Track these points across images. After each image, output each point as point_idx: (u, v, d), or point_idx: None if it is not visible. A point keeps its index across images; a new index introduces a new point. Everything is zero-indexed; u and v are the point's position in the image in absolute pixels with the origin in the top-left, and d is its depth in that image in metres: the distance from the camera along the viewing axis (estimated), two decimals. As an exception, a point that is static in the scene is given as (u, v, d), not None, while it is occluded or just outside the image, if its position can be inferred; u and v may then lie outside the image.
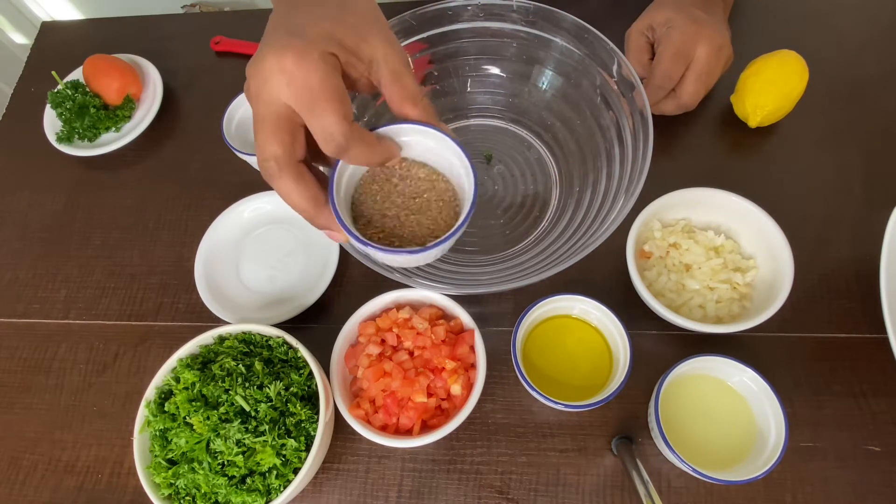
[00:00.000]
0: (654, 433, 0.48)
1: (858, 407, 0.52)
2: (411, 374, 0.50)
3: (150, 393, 0.50)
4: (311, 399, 0.50)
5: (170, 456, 0.48)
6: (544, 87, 0.63)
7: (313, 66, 0.33)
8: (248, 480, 0.46)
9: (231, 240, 0.64)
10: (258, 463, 0.46)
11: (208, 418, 0.47)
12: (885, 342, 0.48)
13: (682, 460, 0.45)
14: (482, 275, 0.57)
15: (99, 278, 0.66)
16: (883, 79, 0.66)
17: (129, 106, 0.74)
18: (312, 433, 0.47)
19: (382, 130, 0.40)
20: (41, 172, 0.73)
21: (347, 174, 0.41)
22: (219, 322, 0.59)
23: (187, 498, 0.47)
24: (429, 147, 0.41)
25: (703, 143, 0.65)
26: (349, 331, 0.53)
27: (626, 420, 0.53)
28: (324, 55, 0.34)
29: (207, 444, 0.47)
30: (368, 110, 0.60)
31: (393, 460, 0.53)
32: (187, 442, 0.47)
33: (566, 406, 0.48)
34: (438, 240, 0.40)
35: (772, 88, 0.60)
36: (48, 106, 0.74)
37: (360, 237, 0.39)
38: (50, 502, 0.56)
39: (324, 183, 0.38)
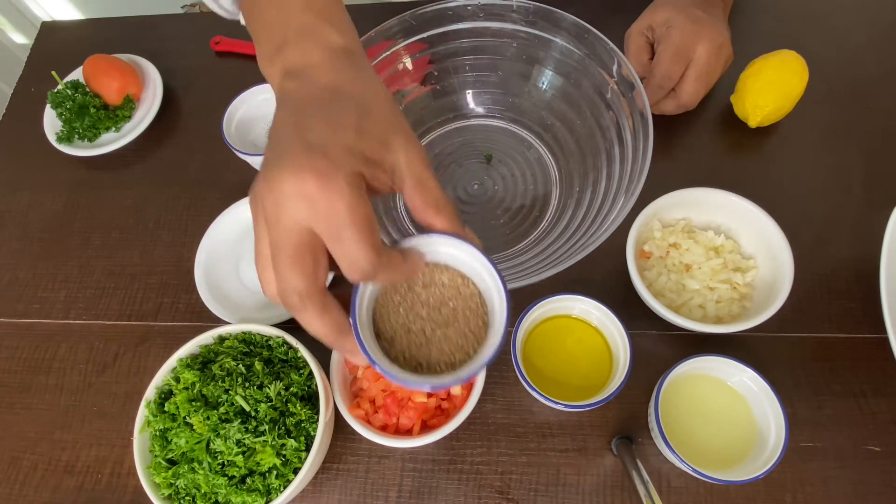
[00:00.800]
0: (654, 433, 0.48)
1: (858, 407, 0.52)
2: (411, 374, 0.50)
3: (150, 393, 0.50)
4: (311, 399, 0.50)
5: (170, 456, 0.48)
6: (544, 87, 0.63)
7: (339, 193, 0.29)
8: (248, 480, 0.46)
9: (231, 240, 0.64)
10: (258, 463, 0.46)
11: (208, 418, 0.47)
12: (885, 342, 0.48)
13: (682, 460, 0.45)
14: (482, 275, 0.57)
15: (99, 278, 0.66)
16: (883, 79, 0.66)
17: (129, 106, 0.74)
18: (312, 433, 0.47)
19: (407, 245, 0.37)
20: (41, 172, 0.73)
21: (369, 291, 0.38)
22: (219, 322, 0.59)
23: (187, 498, 0.47)
24: (453, 254, 0.39)
25: (703, 143, 0.65)
26: (349, 331, 0.53)
27: (626, 420, 0.53)
28: (350, 178, 0.30)
29: (207, 444, 0.47)
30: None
31: (393, 460, 0.53)
32: (187, 442, 0.47)
33: (566, 406, 0.48)
34: (469, 369, 0.37)
35: (772, 88, 0.60)
36: (48, 106, 0.74)
37: (387, 369, 0.36)
38: (50, 502, 0.55)
39: (343, 302, 0.35)
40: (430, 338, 0.38)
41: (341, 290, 0.35)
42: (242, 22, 0.43)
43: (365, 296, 0.37)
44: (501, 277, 0.37)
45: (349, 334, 0.33)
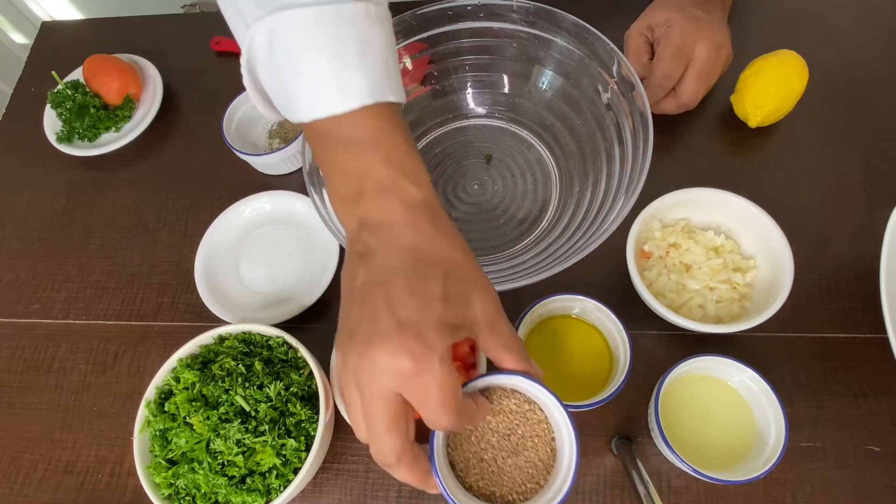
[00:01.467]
0: (654, 433, 0.48)
1: (858, 407, 0.52)
2: (411, 374, 0.50)
3: (150, 393, 0.50)
4: (311, 399, 0.50)
5: (170, 456, 0.48)
6: (544, 87, 0.63)
7: (432, 375, 0.31)
8: (248, 480, 0.46)
9: (231, 240, 0.64)
10: (258, 463, 0.46)
11: (208, 418, 0.47)
12: (885, 342, 0.48)
13: (682, 460, 0.45)
14: (482, 275, 0.57)
15: (99, 278, 0.66)
16: (883, 79, 0.66)
17: (129, 106, 0.74)
18: (312, 433, 0.47)
19: (482, 384, 0.40)
20: (41, 172, 0.73)
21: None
22: (219, 322, 0.59)
23: (187, 498, 0.47)
24: (517, 384, 0.41)
25: (703, 143, 0.65)
26: (349, 331, 0.53)
27: (626, 420, 0.53)
28: (441, 358, 0.32)
29: (207, 444, 0.47)
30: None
31: (393, 460, 0.53)
32: (187, 442, 0.47)
33: (566, 406, 0.48)
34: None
35: (772, 88, 0.60)
36: (48, 106, 0.74)
37: None
38: (50, 502, 0.56)
39: (419, 431, 0.38)
40: (502, 467, 0.41)
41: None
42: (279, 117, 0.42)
43: (441, 436, 0.40)
44: (571, 419, 0.40)
45: (432, 476, 0.36)
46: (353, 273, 0.35)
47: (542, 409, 0.43)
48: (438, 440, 0.39)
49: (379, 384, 0.32)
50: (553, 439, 0.42)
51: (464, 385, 0.38)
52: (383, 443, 0.33)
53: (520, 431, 0.42)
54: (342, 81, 0.34)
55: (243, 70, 0.38)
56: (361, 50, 0.34)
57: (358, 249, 0.36)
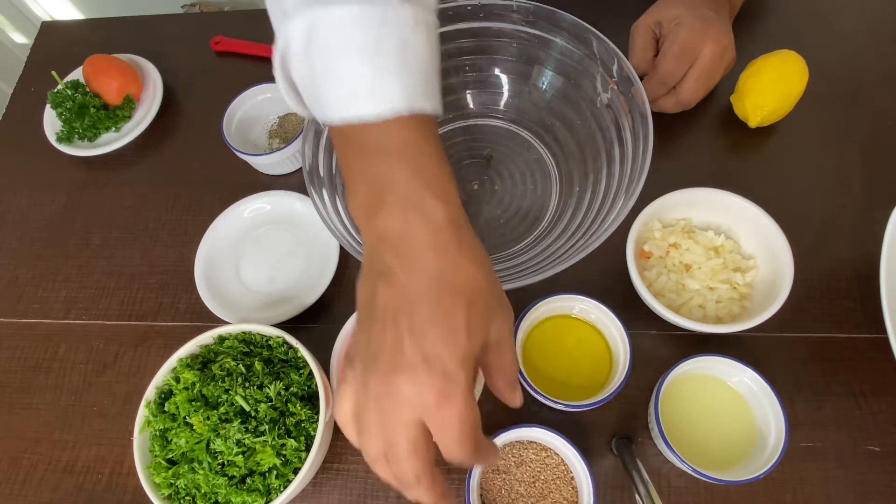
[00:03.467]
0: (654, 433, 0.48)
1: (858, 407, 0.52)
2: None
3: (150, 393, 0.50)
4: (311, 399, 0.50)
5: (170, 456, 0.48)
6: (544, 87, 0.63)
7: (456, 409, 0.32)
8: (248, 480, 0.46)
9: (231, 240, 0.64)
10: (258, 463, 0.46)
11: (208, 418, 0.47)
12: (885, 342, 0.48)
13: (682, 460, 0.45)
14: (482, 275, 0.57)
15: (99, 278, 0.66)
16: (883, 79, 0.66)
17: (129, 106, 0.74)
18: (312, 433, 0.47)
19: (499, 441, 0.47)
20: (41, 172, 0.73)
21: (476, 480, 0.47)
22: (219, 322, 0.59)
23: (187, 498, 0.47)
24: (530, 435, 0.49)
25: (703, 143, 0.65)
26: (349, 331, 0.53)
27: (626, 420, 0.53)
28: (465, 391, 0.32)
29: (207, 444, 0.47)
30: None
31: (393, 460, 0.53)
32: (187, 442, 0.47)
33: (566, 406, 0.48)
34: None
35: (772, 88, 0.60)
36: (48, 106, 0.74)
37: None
38: (50, 502, 0.56)
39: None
40: None
41: None
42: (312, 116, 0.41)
43: (474, 485, 0.46)
44: (583, 457, 0.46)
45: (450, 495, 0.36)
46: (372, 291, 0.35)
47: (557, 454, 0.48)
48: (472, 486, 0.46)
49: (404, 413, 0.32)
50: (572, 478, 0.48)
51: None
52: (406, 465, 0.33)
53: (542, 477, 0.47)
54: (377, 86, 0.33)
55: (275, 61, 0.36)
56: (403, 56, 0.33)
57: (377, 268, 0.35)
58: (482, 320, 0.34)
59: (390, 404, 0.33)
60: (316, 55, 0.34)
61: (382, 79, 0.33)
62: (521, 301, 0.52)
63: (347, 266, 0.62)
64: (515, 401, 0.38)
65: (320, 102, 0.35)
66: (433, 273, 0.33)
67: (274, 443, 0.46)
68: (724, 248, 0.55)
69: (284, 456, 0.47)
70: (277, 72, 0.37)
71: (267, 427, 0.47)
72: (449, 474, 0.52)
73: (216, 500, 0.47)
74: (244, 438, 0.46)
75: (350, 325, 0.53)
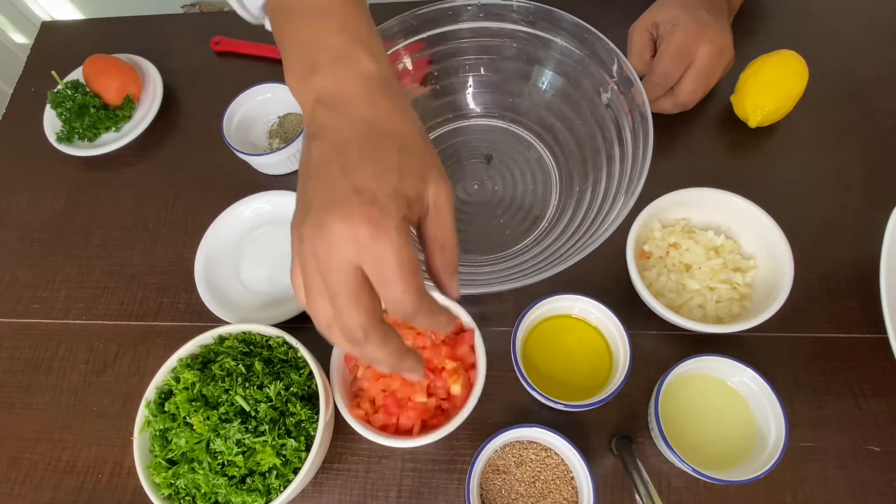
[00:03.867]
0: (654, 433, 0.48)
1: (858, 407, 0.52)
2: (411, 374, 0.50)
3: (150, 393, 0.50)
4: (311, 399, 0.50)
5: (170, 456, 0.48)
6: (544, 87, 0.63)
7: (389, 241, 0.30)
8: (248, 480, 0.46)
9: (231, 240, 0.64)
10: (258, 463, 0.46)
11: (208, 418, 0.47)
12: (885, 342, 0.48)
13: (682, 460, 0.45)
14: (482, 275, 0.57)
15: (99, 278, 0.66)
16: (883, 79, 0.66)
17: (129, 106, 0.74)
18: (312, 433, 0.47)
19: (499, 441, 0.47)
20: (41, 172, 0.73)
21: (476, 479, 0.47)
22: (219, 322, 0.59)
23: (187, 498, 0.47)
24: (531, 435, 0.49)
25: (703, 143, 0.65)
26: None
27: (626, 420, 0.53)
28: (398, 224, 0.31)
29: (207, 444, 0.47)
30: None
31: (393, 460, 0.53)
32: (187, 442, 0.47)
33: (566, 406, 0.48)
34: None
35: (772, 88, 0.60)
36: (48, 106, 0.74)
37: None
38: (50, 502, 0.56)
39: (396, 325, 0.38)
40: None
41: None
42: (268, 27, 0.41)
43: (474, 485, 0.46)
44: (583, 456, 0.46)
45: (408, 355, 0.35)
46: (308, 153, 0.34)
47: (557, 454, 0.48)
48: (472, 485, 0.46)
49: (339, 255, 0.31)
50: (572, 478, 0.48)
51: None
52: (349, 316, 0.31)
53: (542, 477, 0.47)
54: None
55: None
56: None
57: (312, 130, 0.34)
58: (416, 167, 0.33)
59: (324, 248, 0.31)
60: None
61: None
62: (521, 301, 0.52)
63: (347, 266, 0.62)
64: (452, 289, 0.36)
65: None
66: (364, 120, 0.33)
67: (274, 443, 0.46)
68: (724, 248, 0.55)
69: (284, 456, 0.47)
70: None
71: (267, 427, 0.47)
72: (449, 474, 0.52)
73: (216, 500, 0.47)
74: (244, 438, 0.46)
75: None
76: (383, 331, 0.33)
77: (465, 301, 0.53)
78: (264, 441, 0.46)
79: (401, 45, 0.60)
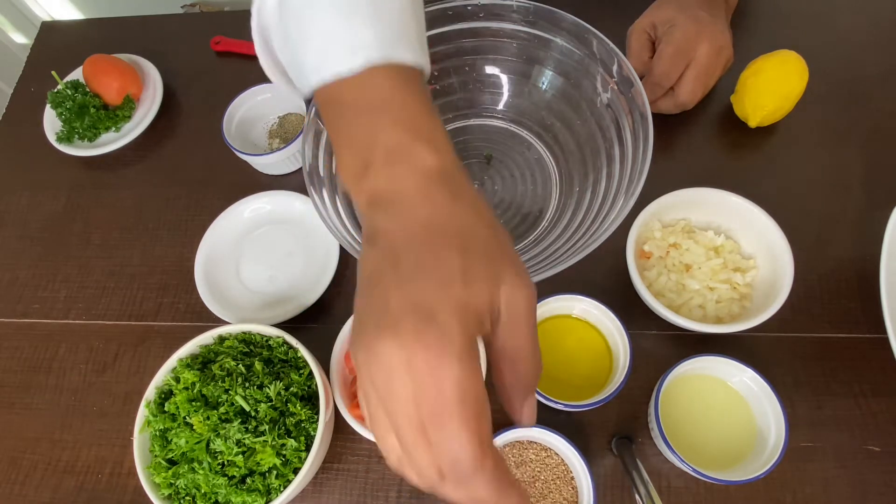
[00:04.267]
0: (654, 433, 0.48)
1: (858, 407, 0.52)
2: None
3: (150, 393, 0.50)
4: (311, 399, 0.50)
5: (170, 456, 0.48)
6: (544, 87, 0.63)
7: (449, 372, 0.25)
8: (248, 480, 0.46)
9: (231, 240, 0.64)
10: (258, 463, 0.46)
11: (208, 418, 0.47)
12: (885, 342, 0.48)
13: (682, 460, 0.45)
14: (482, 275, 0.57)
15: (99, 278, 0.66)
16: (883, 79, 0.66)
17: (129, 106, 0.74)
18: (312, 433, 0.47)
19: (499, 442, 0.47)
20: (41, 172, 0.73)
21: None
22: (219, 322, 0.59)
23: (187, 498, 0.47)
24: (536, 437, 0.48)
25: (703, 143, 0.65)
26: (349, 331, 0.53)
27: (626, 420, 0.53)
28: (463, 352, 0.26)
29: (207, 444, 0.47)
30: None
31: (393, 460, 0.53)
32: (187, 442, 0.47)
33: (566, 406, 0.48)
34: None
35: (772, 88, 0.60)
36: (48, 106, 0.74)
37: None
38: (50, 502, 0.56)
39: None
40: None
41: None
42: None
43: None
44: (583, 457, 0.46)
45: (515, 487, 0.29)
46: (363, 263, 0.30)
47: (557, 454, 0.48)
48: None
49: (397, 387, 0.26)
50: (572, 478, 0.48)
51: None
52: (419, 457, 0.26)
53: (542, 477, 0.47)
54: (349, 39, 0.30)
55: (255, 37, 0.33)
56: (375, 7, 0.30)
57: (368, 234, 0.30)
58: (483, 270, 0.28)
59: (382, 378, 0.26)
60: (289, 19, 0.32)
61: (354, 31, 0.30)
62: (521, 301, 0.52)
63: (347, 266, 0.62)
64: (523, 414, 0.31)
65: (301, 70, 0.32)
66: (421, 219, 0.29)
67: (274, 443, 0.46)
68: (724, 248, 0.55)
69: (284, 456, 0.47)
70: (259, 48, 0.34)
71: (267, 427, 0.47)
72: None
73: (216, 500, 0.47)
74: (244, 438, 0.46)
75: (350, 324, 0.53)
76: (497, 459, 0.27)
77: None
78: (264, 441, 0.46)
79: (401, 45, 0.60)
